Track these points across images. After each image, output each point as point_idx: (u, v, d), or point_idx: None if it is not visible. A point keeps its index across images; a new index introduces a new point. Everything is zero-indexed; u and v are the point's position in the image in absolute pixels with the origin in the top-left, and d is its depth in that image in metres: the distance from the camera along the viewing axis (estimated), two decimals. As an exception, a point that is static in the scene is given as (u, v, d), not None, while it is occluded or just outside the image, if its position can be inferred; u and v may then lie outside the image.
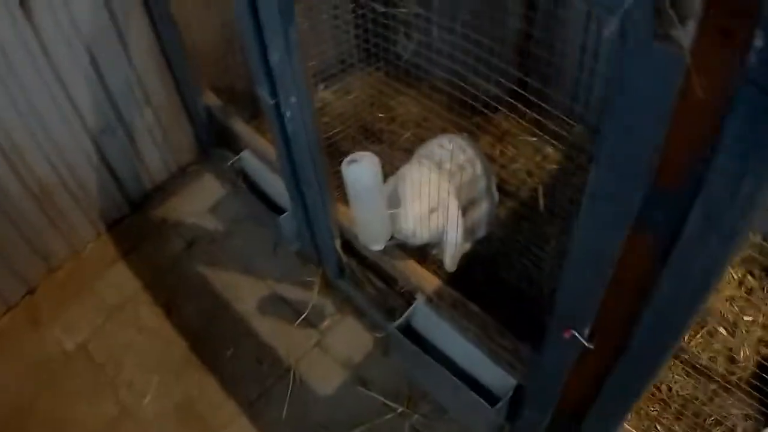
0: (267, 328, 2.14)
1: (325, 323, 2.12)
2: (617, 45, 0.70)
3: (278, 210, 2.15)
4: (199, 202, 2.58)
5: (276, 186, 2.17)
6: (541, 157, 2.42)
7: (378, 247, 1.71)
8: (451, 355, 1.75)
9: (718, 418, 1.68)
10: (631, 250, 0.96)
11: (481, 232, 2.03)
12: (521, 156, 2.43)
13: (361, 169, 1.47)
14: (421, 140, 2.63)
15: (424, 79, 2.64)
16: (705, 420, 1.68)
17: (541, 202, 1.94)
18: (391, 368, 1.98)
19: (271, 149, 2.07)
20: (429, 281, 1.75)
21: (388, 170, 1.75)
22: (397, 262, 1.80)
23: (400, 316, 1.85)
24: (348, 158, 1.50)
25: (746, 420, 1.68)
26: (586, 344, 1.20)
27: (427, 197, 1.64)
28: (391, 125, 2.69)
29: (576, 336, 1.20)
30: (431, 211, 1.67)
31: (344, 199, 1.72)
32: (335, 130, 2.56)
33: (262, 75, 1.52)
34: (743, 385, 1.74)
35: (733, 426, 1.67)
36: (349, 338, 2.08)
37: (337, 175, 1.63)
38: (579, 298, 1.14)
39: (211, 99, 2.50)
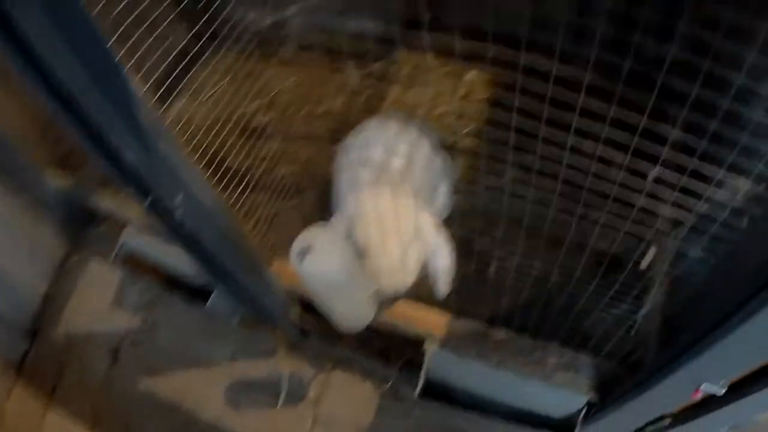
0: (249, 425, 1.73)
1: (312, 392, 1.72)
2: None
3: (197, 290, 1.66)
4: (98, 300, 2.06)
5: (183, 262, 1.66)
6: (465, 91, 2.01)
7: (363, 326, 1.30)
8: (492, 394, 1.42)
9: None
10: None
11: (447, 211, 1.66)
12: (442, 95, 2.02)
13: (319, 263, 1.02)
14: (317, 118, 2.15)
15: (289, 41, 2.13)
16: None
17: (646, 261, 1.50)
18: (414, 412, 1.63)
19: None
20: (434, 322, 1.37)
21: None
22: (385, 315, 1.40)
23: (400, 358, 1.49)
24: (296, 247, 1.05)
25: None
26: (720, 392, 0.89)
27: (397, 234, 1.23)
28: (272, 110, 2.18)
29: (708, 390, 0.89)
30: (408, 246, 1.26)
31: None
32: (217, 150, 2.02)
33: (120, 178, 1.01)
34: None
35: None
36: (346, 398, 1.70)
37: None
38: (723, 360, 0.81)
39: (59, 179, 1.97)
